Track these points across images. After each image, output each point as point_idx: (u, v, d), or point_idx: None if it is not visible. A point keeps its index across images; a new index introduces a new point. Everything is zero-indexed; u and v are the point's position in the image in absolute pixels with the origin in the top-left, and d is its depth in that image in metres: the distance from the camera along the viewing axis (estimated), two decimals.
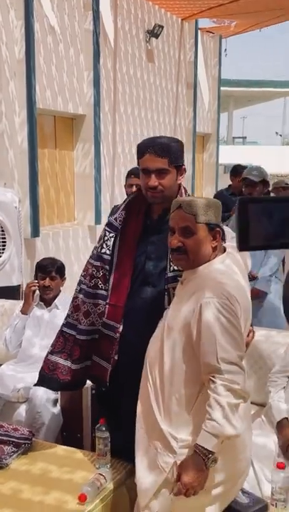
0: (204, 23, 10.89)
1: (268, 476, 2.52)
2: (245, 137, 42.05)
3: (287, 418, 2.66)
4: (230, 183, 6.60)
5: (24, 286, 5.25)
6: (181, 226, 2.10)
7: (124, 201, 2.59)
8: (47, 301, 3.58)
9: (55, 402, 3.19)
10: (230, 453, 2.00)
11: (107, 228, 2.55)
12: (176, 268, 2.38)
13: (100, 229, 7.40)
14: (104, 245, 2.53)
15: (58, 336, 2.62)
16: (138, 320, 2.44)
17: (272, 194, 6.46)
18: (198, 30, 10.52)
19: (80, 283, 2.61)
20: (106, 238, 2.54)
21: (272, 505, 2.12)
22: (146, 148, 2.38)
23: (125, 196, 6.35)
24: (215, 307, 1.97)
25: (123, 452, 2.48)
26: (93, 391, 3.02)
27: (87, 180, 7.07)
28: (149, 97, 8.81)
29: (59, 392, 3.18)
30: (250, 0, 8.32)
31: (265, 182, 4.25)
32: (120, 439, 2.45)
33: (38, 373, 3.32)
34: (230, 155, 20.55)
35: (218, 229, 2.12)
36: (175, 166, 2.39)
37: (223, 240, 2.20)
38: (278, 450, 2.59)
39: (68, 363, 2.55)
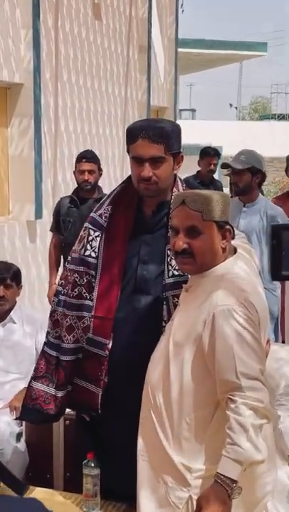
0: None
1: None
2: (195, 110, 42.53)
3: None
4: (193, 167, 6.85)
5: None
6: (186, 225, 2.23)
7: (110, 194, 2.70)
8: (0, 315, 3.65)
9: (19, 436, 3.27)
10: (247, 478, 2.14)
11: (90, 226, 2.66)
12: (176, 273, 2.53)
13: (40, 224, 7.46)
14: (89, 246, 2.64)
15: (40, 358, 2.71)
16: (130, 334, 2.57)
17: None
18: None
19: (57, 294, 2.71)
20: (90, 238, 2.64)
21: None
22: (138, 132, 2.50)
23: (71, 184, 6.42)
24: (231, 315, 2.12)
25: (116, 490, 2.60)
26: (67, 422, 3.13)
27: (26, 165, 7.08)
28: (96, 63, 8.92)
29: (23, 425, 3.27)
30: None
31: (254, 170, 4.42)
32: (112, 476, 2.57)
33: None
34: None
35: (227, 227, 2.28)
36: (172, 154, 2.53)
37: (232, 238, 2.35)
38: None
39: (52, 390, 2.65)
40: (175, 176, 2.62)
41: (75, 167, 5.17)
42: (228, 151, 12.88)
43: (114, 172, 9.32)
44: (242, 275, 2.23)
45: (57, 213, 5.27)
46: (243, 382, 2.07)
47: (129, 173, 2.62)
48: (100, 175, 5.18)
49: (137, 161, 2.51)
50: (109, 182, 9.33)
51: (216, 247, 2.25)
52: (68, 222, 5.05)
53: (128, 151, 2.58)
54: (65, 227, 5.10)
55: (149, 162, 2.48)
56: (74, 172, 5.21)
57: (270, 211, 4.44)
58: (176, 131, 2.55)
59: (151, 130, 2.48)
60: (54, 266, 5.42)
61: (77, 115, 8.39)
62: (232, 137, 25.12)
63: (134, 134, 2.51)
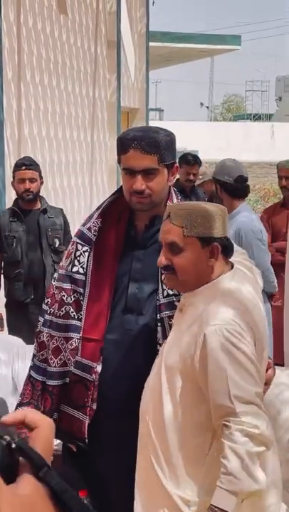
0: None
1: None
2: (162, 110, 42.65)
3: None
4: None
5: None
6: (167, 241, 2.33)
7: (99, 207, 2.79)
8: None
9: None
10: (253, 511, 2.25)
11: (77, 240, 2.74)
12: (170, 292, 2.61)
13: None
14: (76, 262, 2.72)
15: (26, 383, 2.77)
16: (121, 358, 2.65)
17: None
18: None
19: (43, 313, 2.79)
20: (78, 253, 2.72)
21: None
22: (130, 142, 2.60)
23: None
24: (222, 335, 2.19)
25: None
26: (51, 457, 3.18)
27: None
28: (62, 61, 9.04)
29: None
30: None
31: (218, 182, 4.60)
32: None
33: None
34: None
35: (215, 243, 2.31)
36: (166, 165, 2.63)
37: (231, 254, 2.44)
38: None
39: None
40: (170, 188, 2.72)
41: (13, 176, 5.05)
42: (202, 156, 12.99)
43: (83, 180, 9.42)
44: (236, 292, 2.31)
45: None
46: (237, 406, 2.15)
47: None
48: (42, 183, 5.12)
49: (129, 172, 2.60)
50: (78, 191, 9.44)
51: (199, 266, 2.31)
52: (12, 238, 4.90)
53: (119, 162, 2.68)
54: (8, 243, 4.94)
55: (141, 174, 2.57)
56: (12, 183, 5.11)
57: (238, 224, 4.52)
58: (170, 140, 2.65)
59: (144, 140, 2.57)
60: None
61: (42, 118, 8.48)
62: (203, 139, 25.24)
63: (125, 144, 2.60)
